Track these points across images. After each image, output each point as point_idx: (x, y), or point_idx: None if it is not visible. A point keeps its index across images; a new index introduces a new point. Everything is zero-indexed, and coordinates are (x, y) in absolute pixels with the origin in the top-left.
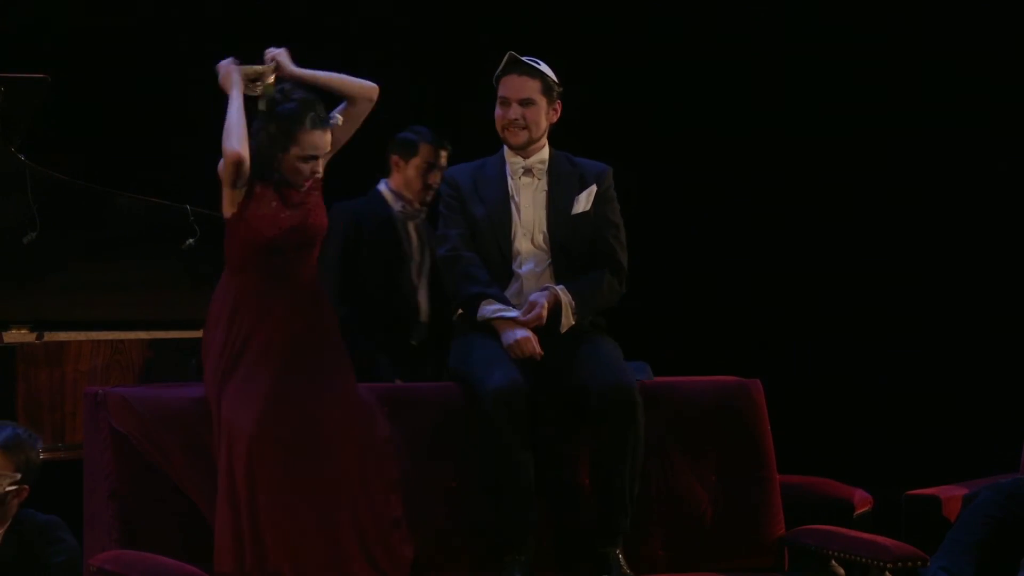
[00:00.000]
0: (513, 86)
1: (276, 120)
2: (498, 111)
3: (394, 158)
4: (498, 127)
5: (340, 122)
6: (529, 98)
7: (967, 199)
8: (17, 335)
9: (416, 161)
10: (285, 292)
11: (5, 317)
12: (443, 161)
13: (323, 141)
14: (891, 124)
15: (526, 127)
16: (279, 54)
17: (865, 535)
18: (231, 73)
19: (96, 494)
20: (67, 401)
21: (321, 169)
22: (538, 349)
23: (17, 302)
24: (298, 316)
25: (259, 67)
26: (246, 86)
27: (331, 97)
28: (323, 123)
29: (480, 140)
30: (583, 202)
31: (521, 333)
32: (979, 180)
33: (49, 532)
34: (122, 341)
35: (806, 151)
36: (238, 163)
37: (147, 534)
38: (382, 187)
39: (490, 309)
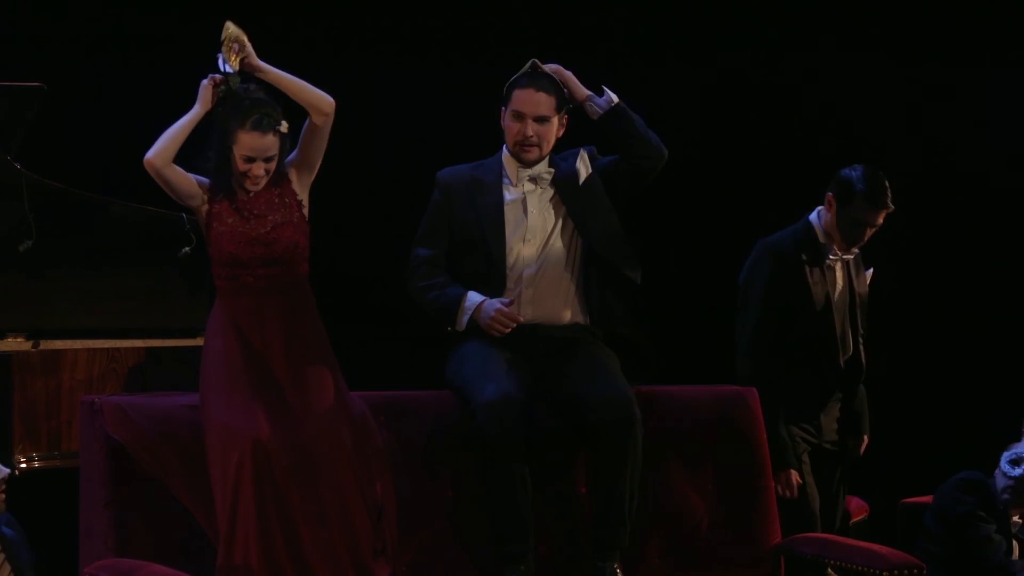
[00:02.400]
0: (530, 102)
1: (227, 114)
2: (511, 124)
3: (829, 195)
4: (509, 141)
5: (285, 128)
6: (545, 116)
7: (963, 199)
8: (13, 343)
9: (848, 211)
10: (272, 308)
11: (1, 325)
12: (879, 221)
13: (261, 144)
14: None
15: (539, 144)
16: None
17: (861, 543)
18: (205, 89)
19: (92, 502)
20: (63, 409)
21: (262, 174)
22: (518, 316)
23: (13, 310)
24: (287, 330)
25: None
26: (228, 56)
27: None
28: (265, 126)
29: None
30: (583, 170)
31: (493, 306)
32: (973, 181)
33: None
34: (118, 349)
35: (803, 153)
36: (153, 171)
37: (143, 542)
38: (813, 218)
39: (467, 307)
